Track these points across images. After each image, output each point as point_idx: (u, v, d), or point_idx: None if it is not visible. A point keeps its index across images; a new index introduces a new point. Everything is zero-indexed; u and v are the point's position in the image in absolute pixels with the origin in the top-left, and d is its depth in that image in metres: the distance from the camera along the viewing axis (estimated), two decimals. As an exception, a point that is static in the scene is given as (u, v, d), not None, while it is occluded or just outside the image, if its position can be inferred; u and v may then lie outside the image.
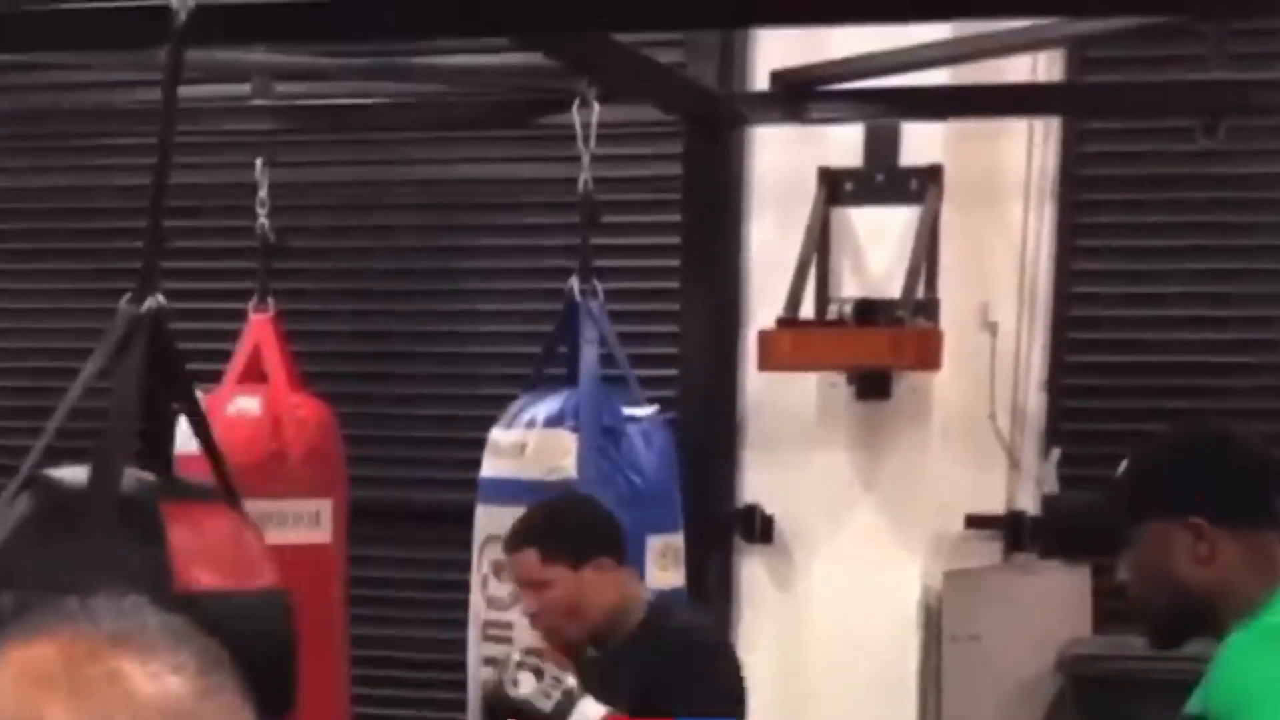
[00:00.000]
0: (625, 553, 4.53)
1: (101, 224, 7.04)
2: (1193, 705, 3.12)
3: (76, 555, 3.20)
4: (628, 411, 5.18)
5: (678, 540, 5.20)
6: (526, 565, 4.43)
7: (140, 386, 3.34)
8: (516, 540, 4.48)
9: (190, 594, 3.24)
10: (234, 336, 5.81)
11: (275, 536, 5.15)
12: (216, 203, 6.06)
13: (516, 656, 4.27)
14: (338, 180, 6.90)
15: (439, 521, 6.45)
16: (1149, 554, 3.18)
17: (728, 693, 4.35)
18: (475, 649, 5.22)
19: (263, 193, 5.87)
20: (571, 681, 4.20)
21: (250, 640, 3.23)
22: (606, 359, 5.31)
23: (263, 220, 5.86)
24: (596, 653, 4.43)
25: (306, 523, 5.43)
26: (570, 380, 5.25)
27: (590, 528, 4.52)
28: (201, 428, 3.55)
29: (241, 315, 5.83)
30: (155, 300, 3.37)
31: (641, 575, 4.90)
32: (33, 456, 3.50)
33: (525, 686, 4.17)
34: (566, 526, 4.50)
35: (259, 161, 5.92)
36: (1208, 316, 6.26)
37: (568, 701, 4.15)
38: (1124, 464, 3.28)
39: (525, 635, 4.74)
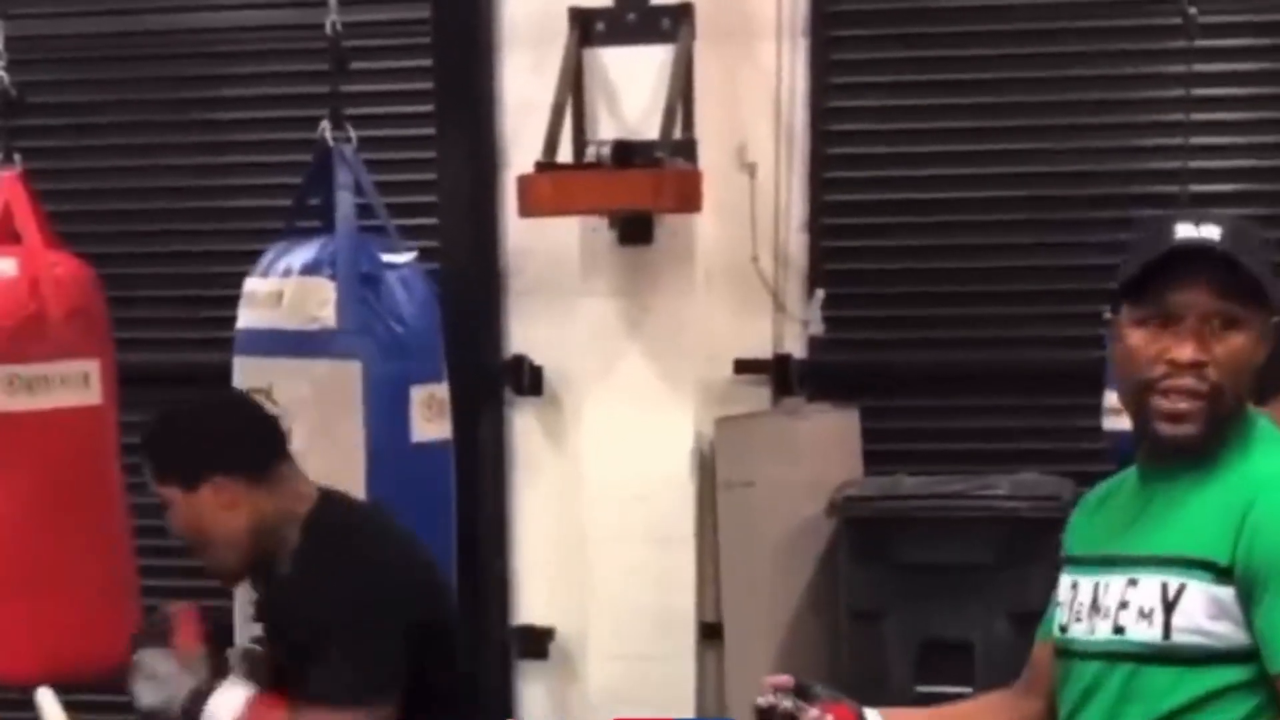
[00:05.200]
0: (265, 466, 3.96)
1: None
2: (1217, 553, 2.67)
3: None
4: (386, 258, 5.04)
5: (443, 390, 5.07)
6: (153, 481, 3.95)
7: None
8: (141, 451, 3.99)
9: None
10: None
11: (43, 401, 4.96)
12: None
13: (137, 660, 3.89)
14: (75, 32, 6.68)
15: (200, 382, 6.28)
16: None
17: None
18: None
19: (-2, 46, 5.63)
20: (193, 680, 3.83)
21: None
22: (363, 208, 5.17)
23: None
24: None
25: (75, 385, 5.16)
26: (326, 228, 5.09)
27: (210, 441, 3.95)
28: None
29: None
30: None
31: (407, 426, 4.78)
32: None
33: (147, 697, 3.85)
34: (181, 441, 3.97)
35: (-12, 14, 5.68)
36: (965, 151, 6.25)
37: (195, 703, 3.79)
38: None
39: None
